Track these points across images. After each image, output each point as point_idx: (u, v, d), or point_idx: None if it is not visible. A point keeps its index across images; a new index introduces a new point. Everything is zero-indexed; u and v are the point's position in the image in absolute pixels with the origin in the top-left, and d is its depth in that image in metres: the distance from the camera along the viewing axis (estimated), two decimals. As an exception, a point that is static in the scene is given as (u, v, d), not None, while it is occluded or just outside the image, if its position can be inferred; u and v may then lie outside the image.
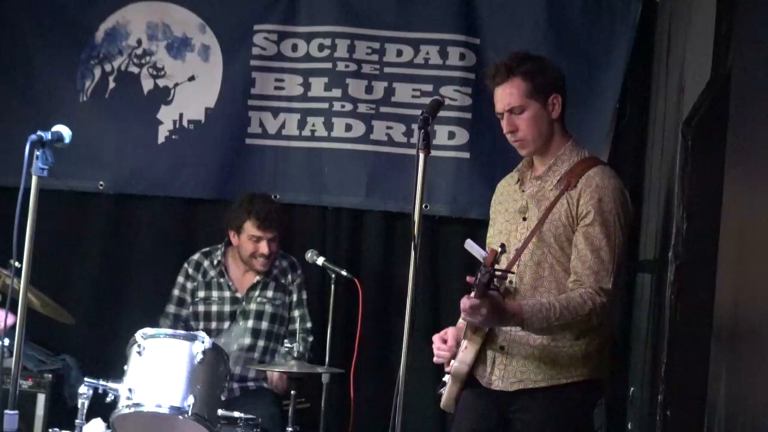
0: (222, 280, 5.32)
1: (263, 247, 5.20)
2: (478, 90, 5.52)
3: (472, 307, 3.48)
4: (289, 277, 5.37)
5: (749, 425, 2.54)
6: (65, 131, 3.55)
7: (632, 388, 5.03)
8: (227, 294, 5.30)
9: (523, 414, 3.71)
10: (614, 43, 5.45)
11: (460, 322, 3.89)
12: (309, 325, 5.37)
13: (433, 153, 5.44)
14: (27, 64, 5.86)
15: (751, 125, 2.77)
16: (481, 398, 3.78)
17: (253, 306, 5.28)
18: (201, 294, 5.32)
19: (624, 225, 3.68)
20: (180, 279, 5.38)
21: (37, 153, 3.44)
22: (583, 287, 3.59)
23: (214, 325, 5.27)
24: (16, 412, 3.44)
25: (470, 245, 3.54)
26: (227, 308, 5.28)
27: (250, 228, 5.20)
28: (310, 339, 5.35)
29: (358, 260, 5.69)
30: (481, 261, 3.50)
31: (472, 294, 3.47)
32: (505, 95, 3.75)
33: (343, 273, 5.21)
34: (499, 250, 3.56)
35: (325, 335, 5.20)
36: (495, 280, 3.49)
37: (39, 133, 3.45)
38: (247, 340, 5.24)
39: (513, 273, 3.67)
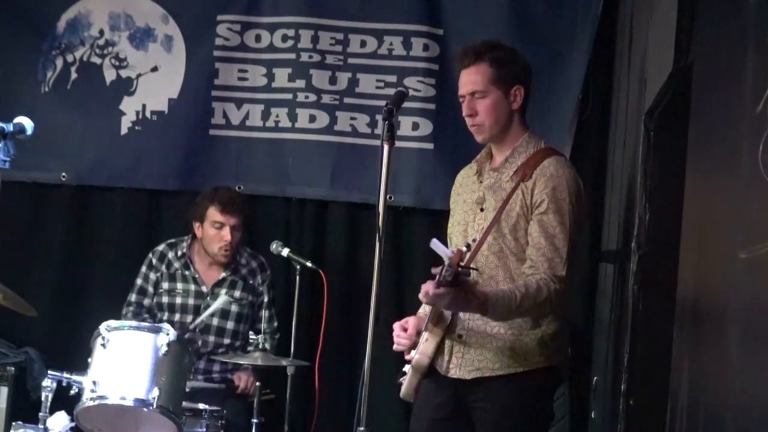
0: (187, 272, 5.30)
1: (226, 234, 5.18)
2: (442, 81, 5.53)
3: (435, 296, 3.48)
4: (259, 278, 5.34)
5: (711, 413, 2.57)
6: (27, 123, 3.52)
7: (595, 378, 5.06)
8: (192, 287, 5.28)
9: (483, 403, 3.72)
10: (576, 34, 5.46)
11: (421, 311, 3.91)
12: (276, 324, 5.35)
13: (397, 144, 5.42)
14: (-14, 55, 5.82)
15: (712, 116, 2.80)
16: (440, 388, 3.79)
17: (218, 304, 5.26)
18: (165, 285, 5.30)
19: (578, 214, 3.69)
20: (143, 269, 5.35)
21: (-1, 145, 3.40)
22: (538, 274, 3.61)
23: (177, 317, 5.24)
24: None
25: (436, 244, 3.52)
26: (191, 301, 5.26)
27: (212, 214, 5.19)
28: (277, 336, 5.33)
29: (323, 251, 5.68)
30: (447, 261, 3.48)
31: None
32: (470, 79, 3.77)
33: (308, 264, 5.19)
34: (465, 249, 3.56)
35: (289, 327, 5.18)
36: (461, 277, 3.48)
37: (0, 124, 3.42)
38: (211, 338, 5.22)
39: (476, 269, 3.68)
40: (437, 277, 3.44)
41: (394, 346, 3.87)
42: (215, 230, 5.19)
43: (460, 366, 3.75)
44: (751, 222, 2.12)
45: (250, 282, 5.32)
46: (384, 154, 3.49)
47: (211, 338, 5.22)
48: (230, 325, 5.24)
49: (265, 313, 5.30)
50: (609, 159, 5.32)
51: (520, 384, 3.71)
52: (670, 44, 3.57)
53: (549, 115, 5.37)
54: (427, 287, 3.48)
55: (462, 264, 3.49)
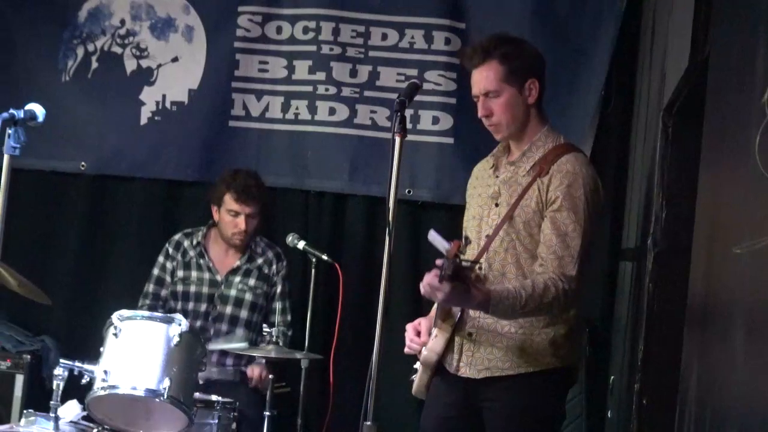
0: (202, 261, 5.29)
1: (240, 223, 5.16)
2: (463, 75, 5.44)
3: (434, 289, 3.39)
4: (274, 267, 5.32)
5: (718, 413, 2.53)
6: (38, 110, 3.49)
7: (612, 377, 5.02)
8: (206, 276, 5.27)
9: (492, 403, 3.66)
10: (600, 30, 5.41)
11: (433, 310, 3.86)
12: (289, 317, 5.32)
13: (418, 138, 5.51)
14: (8, 43, 5.82)
15: (726, 111, 2.75)
16: (450, 386, 3.74)
17: (232, 292, 5.24)
18: (180, 274, 5.29)
19: (593, 213, 3.59)
20: (160, 259, 5.34)
21: (9, 131, 3.38)
22: (547, 273, 3.52)
23: (191, 305, 5.23)
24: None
25: (433, 236, 3.45)
26: (205, 290, 5.25)
27: (229, 202, 5.17)
28: (290, 333, 5.29)
29: (340, 245, 5.65)
30: (444, 253, 3.42)
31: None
32: (481, 78, 3.67)
33: (324, 257, 5.17)
34: (463, 242, 3.50)
35: (304, 320, 5.16)
36: (462, 270, 3.41)
37: (11, 111, 3.40)
38: (224, 326, 5.21)
39: (479, 263, 3.60)
40: (440, 270, 3.37)
41: (406, 349, 3.82)
42: (231, 217, 5.18)
43: (470, 365, 3.69)
44: (750, 217, 2.07)
45: (265, 272, 5.30)
46: (395, 147, 3.43)
47: (224, 327, 5.20)
48: (244, 314, 5.22)
49: (278, 305, 5.28)
50: (631, 155, 5.28)
51: (530, 384, 3.63)
52: (687, 39, 3.52)
53: (571, 111, 5.33)
54: (428, 279, 3.42)
55: (460, 256, 3.42)
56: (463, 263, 3.35)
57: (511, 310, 3.48)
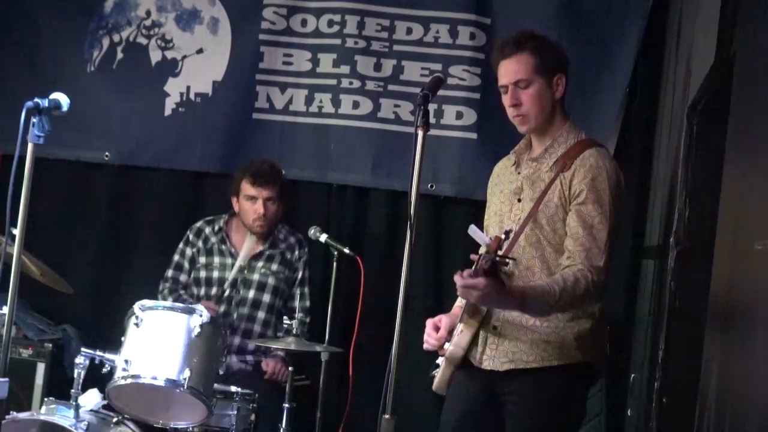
0: (224, 246, 5.31)
1: (259, 207, 5.18)
2: (488, 70, 5.44)
3: (470, 286, 3.42)
4: (296, 253, 5.35)
5: (738, 412, 2.51)
6: (63, 99, 3.49)
7: (633, 375, 5.00)
8: (229, 261, 5.29)
9: (515, 396, 3.67)
10: (626, 27, 5.38)
11: (455, 308, 3.86)
12: (308, 304, 5.35)
13: (441, 133, 5.51)
14: (34, 33, 5.86)
15: (752, 110, 2.73)
16: (473, 379, 3.75)
17: (255, 276, 5.27)
18: (202, 260, 5.31)
19: (617, 205, 3.61)
20: (181, 245, 5.38)
21: (34, 120, 3.39)
22: (575, 265, 3.54)
23: (214, 290, 5.26)
24: (7, 379, 3.41)
25: (474, 231, 3.47)
26: (228, 275, 5.26)
27: (245, 187, 5.20)
28: (308, 320, 5.31)
29: (362, 238, 5.66)
30: (485, 248, 3.44)
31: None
32: (512, 68, 3.70)
33: (346, 251, 5.17)
34: (503, 237, 3.50)
35: (325, 313, 5.16)
36: (498, 266, 3.43)
37: (36, 100, 3.40)
38: (246, 310, 5.22)
39: (514, 260, 3.62)
40: (474, 265, 3.38)
41: (424, 345, 3.83)
42: (249, 203, 5.20)
43: (493, 357, 3.70)
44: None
45: (288, 257, 5.33)
46: (418, 141, 3.44)
47: (246, 310, 5.22)
48: (266, 297, 5.25)
49: (298, 291, 5.31)
50: (655, 152, 5.25)
51: (553, 378, 3.64)
52: (713, 36, 3.50)
53: (595, 108, 5.31)
54: (457, 279, 3.43)
55: (500, 252, 3.44)
56: (507, 259, 3.36)
57: (547, 307, 3.51)
